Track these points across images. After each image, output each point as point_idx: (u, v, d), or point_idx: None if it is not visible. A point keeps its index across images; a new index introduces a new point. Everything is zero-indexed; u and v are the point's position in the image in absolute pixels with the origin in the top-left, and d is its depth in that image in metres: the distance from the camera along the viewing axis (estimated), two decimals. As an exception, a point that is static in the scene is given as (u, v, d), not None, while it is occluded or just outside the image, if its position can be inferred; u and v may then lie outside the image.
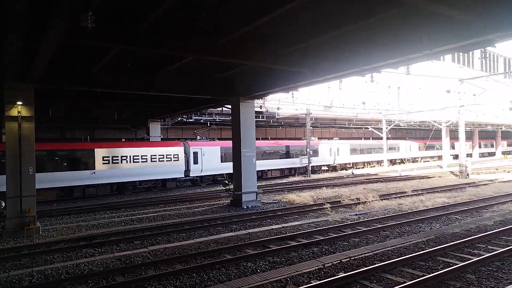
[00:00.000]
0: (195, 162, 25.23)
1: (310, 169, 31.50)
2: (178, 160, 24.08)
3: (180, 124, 29.46)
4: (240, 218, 14.05)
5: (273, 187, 23.56)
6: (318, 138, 37.59)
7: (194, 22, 9.34)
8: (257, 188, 17.74)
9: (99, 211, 16.75)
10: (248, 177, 16.95)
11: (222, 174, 26.84)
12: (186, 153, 24.80)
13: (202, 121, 28.82)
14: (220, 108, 26.66)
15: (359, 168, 39.14)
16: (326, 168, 35.70)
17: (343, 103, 36.06)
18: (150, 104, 22.89)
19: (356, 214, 14.28)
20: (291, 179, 29.66)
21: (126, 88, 14.88)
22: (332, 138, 38.82)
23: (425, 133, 50.74)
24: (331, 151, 35.59)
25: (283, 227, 12.36)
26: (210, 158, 25.98)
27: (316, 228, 12.00)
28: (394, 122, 39.45)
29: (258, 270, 8.12)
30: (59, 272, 8.30)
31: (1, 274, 8.27)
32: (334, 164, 36.20)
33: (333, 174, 33.41)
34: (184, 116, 26.63)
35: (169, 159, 23.74)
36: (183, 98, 18.50)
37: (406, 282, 6.93)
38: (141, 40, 9.41)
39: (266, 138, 34.34)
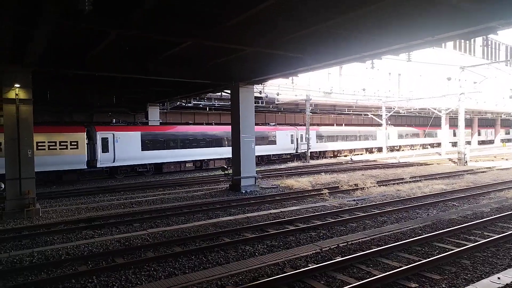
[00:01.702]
0: (105, 150, 21.21)
1: (309, 155, 31.60)
2: (77, 148, 20.13)
3: (179, 108, 29.38)
4: (238, 202, 14.15)
5: (272, 172, 23.65)
6: (278, 124, 33.65)
7: (193, 7, 9.19)
8: (256, 173, 17.81)
9: (99, 193, 16.85)
10: (247, 162, 16.99)
11: (145, 164, 23.38)
12: (92, 140, 21.04)
13: (201, 105, 28.72)
14: (220, 93, 26.56)
15: (357, 154, 39.17)
16: (288, 156, 32.32)
17: (343, 89, 35.95)
18: (149, 89, 22.71)
19: (354, 200, 14.39)
20: (290, 164, 29.74)
21: (123, 72, 14.74)
22: (297, 124, 34.79)
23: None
24: (293, 139, 31.91)
25: (281, 211, 12.46)
26: (126, 145, 21.89)
27: (314, 213, 12.10)
28: (394, 109, 39.38)
29: (256, 254, 8.22)
30: (59, 253, 8.40)
31: (2, 254, 8.36)
32: (297, 153, 32.54)
33: (332, 160, 33.52)
34: (183, 101, 26.54)
35: (64, 146, 19.73)
36: (182, 82, 18.38)
37: (402, 267, 7.03)
38: (139, 24, 9.26)
39: (265, 124, 33.92)
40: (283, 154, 32.04)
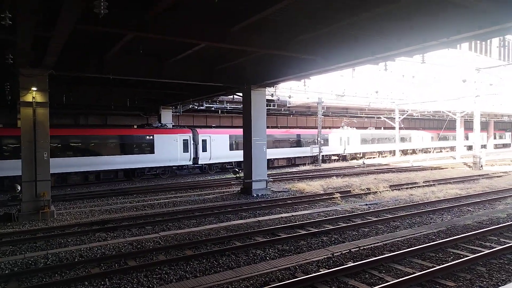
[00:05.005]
0: None
1: (320, 158, 31.41)
2: None
3: (191, 111, 29.56)
4: (250, 206, 14.14)
5: (283, 176, 23.57)
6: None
7: (206, 9, 9.27)
8: (267, 176, 17.78)
9: (112, 196, 17.04)
10: (258, 165, 16.97)
11: None
12: None
13: (213, 108, 28.85)
14: (231, 96, 26.61)
15: (370, 158, 38.75)
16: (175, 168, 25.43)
17: (356, 91, 35.64)
18: (162, 91, 22.88)
19: (366, 204, 14.23)
20: (301, 168, 29.63)
21: (137, 75, 14.99)
22: (197, 126, 27.93)
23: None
24: (188, 145, 24.51)
25: (292, 215, 12.41)
26: None
27: (326, 217, 12.01)
28: (407, 111, 38.90)
29: (267, 258, 8.20)
30: (73, 255, 8.50)
31: (17, 256, 8.51)
32: (197, 164, 25.55)
33: (344, 164, 33.27)
34: (196, 104, 26.68)
35: None
36: (194, 85, 18.51)
37: (415, 273, 6.92)
38: (153, 26, 9.38)
39: (277, 127, 33.95)
40: (168, 166, 24.33)
